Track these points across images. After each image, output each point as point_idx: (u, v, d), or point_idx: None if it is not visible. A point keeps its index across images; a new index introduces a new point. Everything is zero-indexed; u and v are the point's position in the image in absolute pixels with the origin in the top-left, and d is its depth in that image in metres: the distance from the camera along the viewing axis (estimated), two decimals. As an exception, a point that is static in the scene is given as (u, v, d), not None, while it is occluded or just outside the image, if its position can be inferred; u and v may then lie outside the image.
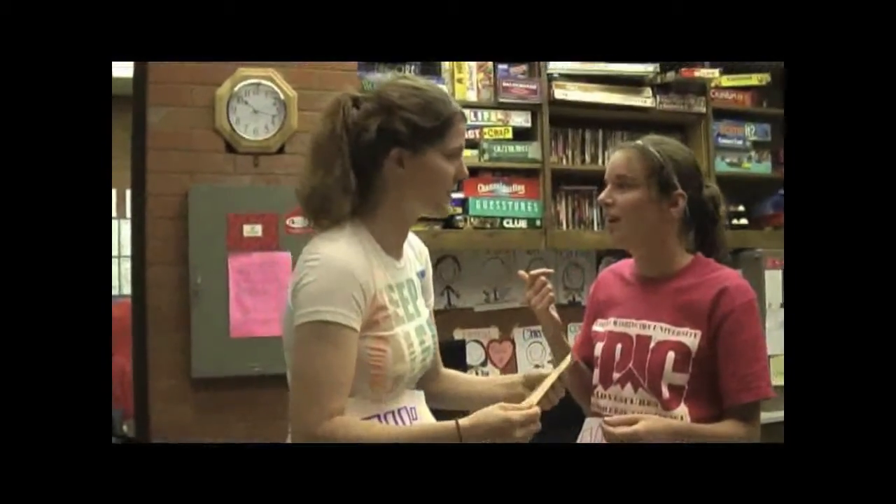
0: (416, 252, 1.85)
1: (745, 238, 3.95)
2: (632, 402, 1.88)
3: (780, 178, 4.13)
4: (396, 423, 1.68)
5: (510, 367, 3.91)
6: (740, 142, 4.15)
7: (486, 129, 3.65)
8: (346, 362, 1.58)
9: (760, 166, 4.21)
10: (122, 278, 6.15)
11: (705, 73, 3.93)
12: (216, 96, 3.23)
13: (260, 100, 3.28)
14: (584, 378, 2.02)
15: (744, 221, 4.09)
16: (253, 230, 3.21)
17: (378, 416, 1.66)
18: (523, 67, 3.78)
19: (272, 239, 3.22)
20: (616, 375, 1.92)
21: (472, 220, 3.61)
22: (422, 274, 1.84)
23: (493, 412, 1.59)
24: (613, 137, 3.94)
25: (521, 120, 3.72)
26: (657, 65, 3.90)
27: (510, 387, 1.86)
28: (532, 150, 3.71)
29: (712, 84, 4.02)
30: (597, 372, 1.98)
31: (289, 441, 1.65)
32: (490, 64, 3.71)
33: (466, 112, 1.77)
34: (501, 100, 3.69)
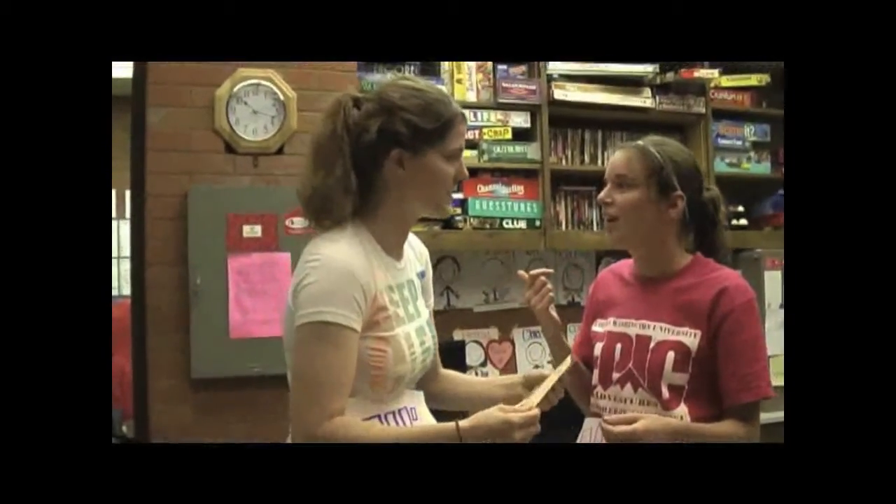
0: (416, 253, 1.85)
1: (744, 238, 3.95)
2: (631, 402, 1.88)
3: (779, 179, 4.14)
4: (397, 423, 1.68)
5: (510, 367, 3.91)
6: (740, 142, 4.15)
7: (485, 130, 3.65)
8: (347, 363, 1.58)
9: (760, 167, 4.22)
10: (121, 279, 6.15)
11: (705, 73, 3.92)
12: (216, 97, 3.23)
13: (259, 100, 3.28)
14: (583, 378, 2.02)
15: (743, 222, 4.09)
16: (252, 231, 3.21)
17: (378, 417, 1.66)
18: (523, 68, 3.78)
19: (272, 239, 3.22)
20: (616, 375, 1.92)
21: (471, 220, 3.61)
22: (422, 275, 1.84)
23: (493, 414, 1.59)
24: (613, 138, 3.94)
25: (520, 120, 3.72)
26: (657, 65, 3.90)
27: (509, 387, 1.87)
28: (531, 150, 3.71)
29: (712, 84, 4.02)
30: (596, 372, 1.98)
31: (289, 441, 1.65)
32: (489, 64, 3.70)
33: (466, 112, 1.77)
34: (501, 100, 3.69)
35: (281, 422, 1.76)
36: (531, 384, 1.81)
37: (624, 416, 1.81)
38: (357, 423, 1.60)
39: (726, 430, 1.82)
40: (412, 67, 3.56)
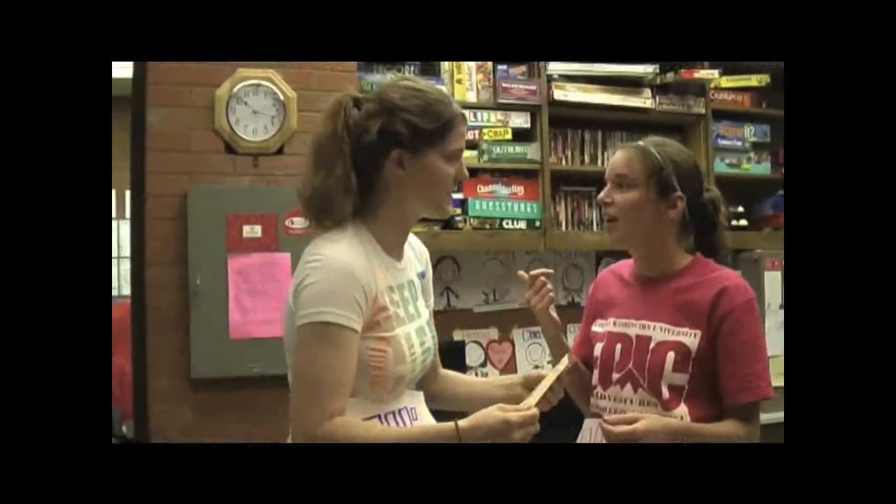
0: (416, 253, 1.85)
1: (744, 239, 3.95)
2: (631, 402, 1.88)
3: (779, 179, 4.14)
4: (397, 423, 1.68)
5: (509, 367, 3.91)
6: (739, 143, 4.15)
7: (485, 130, 3.65)
8: (347, 363, 1.58)
9: (759, 167, 4.22)
10: (121, 279, 6.14)
11: (705, 73, 3.93)
12: (215, 97, 3.23)
13: (259, 100, 3.28)
14: (583, 379, 2.02)
15: (743, 222, 4.10)
16: (252, 231, 3.21)
17: (379, 417, 1.66)
18: (523, 68, 3.78)
19: (271, 240, 3.22)
20: (615, 376, 1.92)
21: (471, 220, 3.61)
22: (422, 275, 1.84)
23: (492, 413, 1.59)
24: (613, 138, 3.95)
25: (520, 121, 3.72)
26: (657, 66, 3.91)
27: (509, 388, 1.86)
28: (531, 150, 3.71)
29: (712, 85, 4.02)
30: (596, 372, 1.98)
31: (289, 441, 1.65)
32: (489, 65, 3.71)
33: (466, 113, 1.77)
34: (501, 101, 3.69)
35: (281, 422, 1.76)
36: (531, 384, 1.81)
37: (624, 416, 1.81)
38: (357, 423, 1.60)
39: (726, 430, 1.82)
40: (412, 67, 3.57)
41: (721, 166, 4.09)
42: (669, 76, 3.91)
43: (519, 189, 3.69)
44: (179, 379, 3.13)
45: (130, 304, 3.36)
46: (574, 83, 3.78)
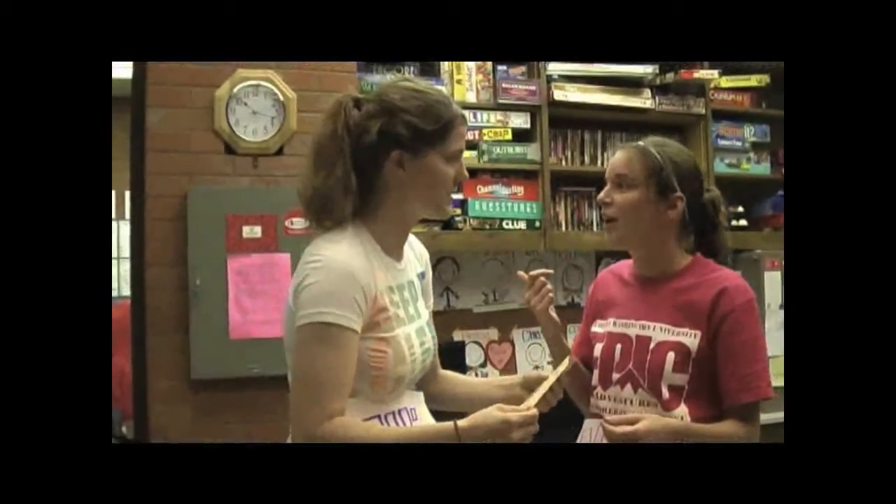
0: (416, 254, 1.85)
1: (743, 239, 3.95)
2: (631, 402, 1.88)
3: (779, 180, 4.14)
4: (397, 423, 1.68)
5: (509, 368, 3.91)
6: (739, 143, 4.15)
7: (485, 131, 3.65)
8: (347, 364, 1.59)
9: (759, 167, 4.22)
10: (121, 279, 6.15)
11: (704, 74, 3.93)
12: (215, 97, 3.23)
13: (259, 101, 3.28)
14: (583, 379, 2.02)
15: (743, 223, 4.10)
16: (252, 231, 3.21)
17: (378, 417, 1.66)
18: (522, 68, 3.78)
19: (271, 240, 3.22)
20: (615, 376, 1.92)
21: (471, 221, 3.61)
22: (422, 276, 1.84)
23: (492, 413, 1.59)
24: (612, 139, 3.95)
25: (520, 121, 3.72)
26: (656, 66, 3.91)
27: (509, 388, 1.86)
28: (531, 151, 3.71)
29: (711, 85, 4.02)
30: (596, 373, 1.98)
31: (289, 441, 1.65)
32: (489, 65, 3.71)
33: (466, 113, 1.77)
34: (501, 101, 3.69)
35: (281, 422, 1.76)
36: (530, 385, 1.81)
37: (625, 416, 1.81)
38: (357, 423, 1.60)
39: (726, 430, 1.82)
40: (412, 68, 3.57)
41: (721, 166, 4.09)
42: (669, 76, 3.91)
43: (519, 189, 3.69)
44: (179, 379, 3.13)
45: (130, 305, 3.36)
46: (574, 83, 3.78)
